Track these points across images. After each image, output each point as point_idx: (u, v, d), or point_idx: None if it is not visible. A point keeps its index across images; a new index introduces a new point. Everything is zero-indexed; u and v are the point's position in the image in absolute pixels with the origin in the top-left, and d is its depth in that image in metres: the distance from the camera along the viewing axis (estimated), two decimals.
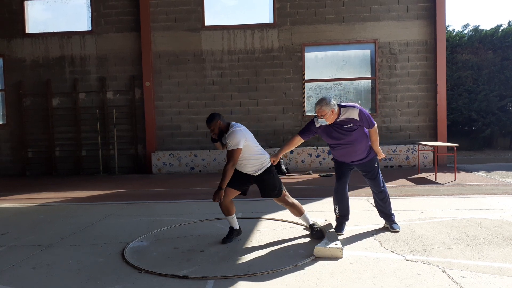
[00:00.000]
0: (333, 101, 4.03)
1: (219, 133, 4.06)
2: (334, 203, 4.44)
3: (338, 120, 4.10)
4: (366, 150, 4.25)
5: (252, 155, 4.04)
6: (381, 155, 4.34)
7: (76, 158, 10.95)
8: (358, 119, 4.07)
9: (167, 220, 5.24)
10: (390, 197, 4.47)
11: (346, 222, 4.49)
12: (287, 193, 4.22)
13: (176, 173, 10.44)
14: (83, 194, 7.67)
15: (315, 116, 4.16)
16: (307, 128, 4.27)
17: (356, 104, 4.16)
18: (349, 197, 4.46)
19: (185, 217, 5.34)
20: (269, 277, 3.21)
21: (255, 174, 4.11)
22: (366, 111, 4.15)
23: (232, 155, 3.90)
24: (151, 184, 8.89)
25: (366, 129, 4.22)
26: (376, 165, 4.33)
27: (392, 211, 4.49)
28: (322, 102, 4.00)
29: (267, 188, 4.13)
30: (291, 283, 3.08)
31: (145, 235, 4.52)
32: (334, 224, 4.48)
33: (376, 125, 4.21)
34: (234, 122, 4.08)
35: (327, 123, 4.09)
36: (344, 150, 4.22)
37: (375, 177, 4.34)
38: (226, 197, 4.12)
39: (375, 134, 4.21)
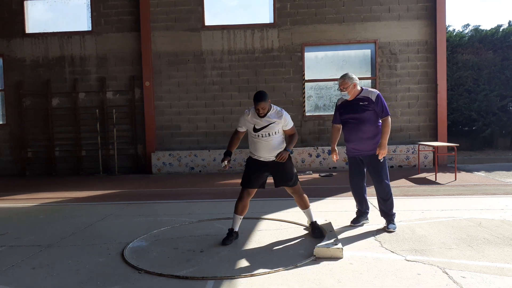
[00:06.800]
0: (354, 76, 4.43)
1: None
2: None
3: (357, 96, 4.43)
4: (373, 142, 4.39)
5: (282, 139, 4.17)
6: (383, 149, 4.31)
7: (76, 158, 10.94)
8: (373, 100, 4.34)
9: (167, 220, 5.23)
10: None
11: (364, 216, 4.70)
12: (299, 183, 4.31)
13: (176, 173, 10.43)
14: (83, 194, 7.67)
15: (338, 99, 4.64)
16: (334, 113, 4.69)
17: (378, 91, 4.48)
18: (361, 195, 4.63)
19: (185, 217, 5.34)
20: (269, 277, 3.20)
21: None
22: (385, 101, 4.42)
23: (295, 130, 4.23)
24: (151, 184, 8.89)
25: (379, 123, 4.40)
26: (381, 160, 4.40)
27: (393, 211, 4.50)
28: (344, 76, 4.42)
29: (286, 175, 4.16)
30: (291, 283, 3.07)
31: (145, 235, 4.51)
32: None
33: (389, 117, 4.39)
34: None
35: (349, 97, 4.42)
36: (353, 126, 4.43)
37: (379, 173, 4.41)
38: (249, 196, 4.16)
39: (386, 126, 4.37)
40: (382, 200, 4.47)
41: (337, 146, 4.87)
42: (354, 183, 4.63)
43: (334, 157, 4.73)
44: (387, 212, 4.47)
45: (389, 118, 4.38)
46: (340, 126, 4.67)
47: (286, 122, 4.10)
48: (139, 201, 6.67)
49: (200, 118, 10.74)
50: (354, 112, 4.41)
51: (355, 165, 4.60)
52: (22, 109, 10.96)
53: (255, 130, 4.09)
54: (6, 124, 11.14)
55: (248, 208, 4.22)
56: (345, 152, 4.74)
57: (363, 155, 4.47)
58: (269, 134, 4.05)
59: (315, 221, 4.34)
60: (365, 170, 4.62)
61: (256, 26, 10.63)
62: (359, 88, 4.45)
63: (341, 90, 4.41)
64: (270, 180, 4.28)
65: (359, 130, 4.40)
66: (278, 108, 4.13)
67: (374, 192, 4.58)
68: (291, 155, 4.15)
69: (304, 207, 4.32)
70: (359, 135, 4.40)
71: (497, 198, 6.04)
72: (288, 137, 4.20)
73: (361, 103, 4.38)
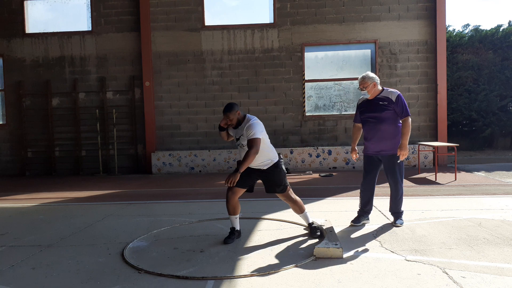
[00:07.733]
0: (375, 76, 4.46)
1: (236, 123, 4.08)
2: (359, 195, 4.74)
3: (377, 96, 4.46)
4: (393, 142, 4.41)
5: (265, 148, 4.08)
6: (403, 150, 4.33)
7: (76, 158, 10.94)
8: (394, 101, 4.35)
9: (167, 220, 5.23)
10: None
11: (365, 216, 4.71)
12: (291, 189, 4.27)
13: (176, 173, 10.43)
14: (83, 194, 7.66)
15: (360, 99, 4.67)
16: (355, 112, 4.73)
17: (399, 92, 4.47)
18: (370, 195, 4.64)
19: (185, 217, 5.34)
20: (269, 277, 3.20)
21: (264, 168, 4.12)
22: (405, 101, 4.42)
23: (255, 143, 3.87)
24: (151, 184, 8.88)
25: (399, 123, 4.41)
26: (398, 162, 4.44)
27: (402, 209, 4.64)
28: (364, 75, 4.46)
29: (274, 182, 4.16)
30: (291, 283, 3.07)
31: (145, 235, 4.51)
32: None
33: (410, 118, 4.40)
34: (249, 115, 4.11)
35: (369, 96, 4.46)
36: (372, 125, 4.46)
37: (395, 173, 4.47)
38: (234, 196, 4.11)
39: (406, 126, 4.37)
40: (394, 199, 4.57)
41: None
42: (366, 183, 4.62)
43: (354, 156, 4.75)
44: (396, 210, 4.61)
45: (410, 119, 4.38)
46: (361, 125, 4.70)
47: (248, 132, 3.90)
48: (139, 201, 6.67)
49: (200, 118, 10.75)
50: (373, 111, 4.44)
51: (372, 165, 4.60)
52: (22, 109, 10.96)
53: (235, 140, 4.20)
54: (6, 124, 11.14)
55: (240, 206, 4.20)
56: (363, 151, 4.74)
57: (381, 154, 4.49)
58: (243, 144, 4.08)
59: (313, 222, 4.34)
60: (378, 171, 4.64)
61: (256, 26, 10.64)
62: (379, 87, 4.47)
63: (361, 90, 4.46)
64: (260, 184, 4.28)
65: (378, 130, 4.43)
66: (252, 120, 4.01)
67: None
68: (280, 161, 4.17)
69: (299, 211, 4.30)
70: (378, 134, 4.43)
71: (497, 198, 6.04)
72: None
73: (381, 102, 4.41)
